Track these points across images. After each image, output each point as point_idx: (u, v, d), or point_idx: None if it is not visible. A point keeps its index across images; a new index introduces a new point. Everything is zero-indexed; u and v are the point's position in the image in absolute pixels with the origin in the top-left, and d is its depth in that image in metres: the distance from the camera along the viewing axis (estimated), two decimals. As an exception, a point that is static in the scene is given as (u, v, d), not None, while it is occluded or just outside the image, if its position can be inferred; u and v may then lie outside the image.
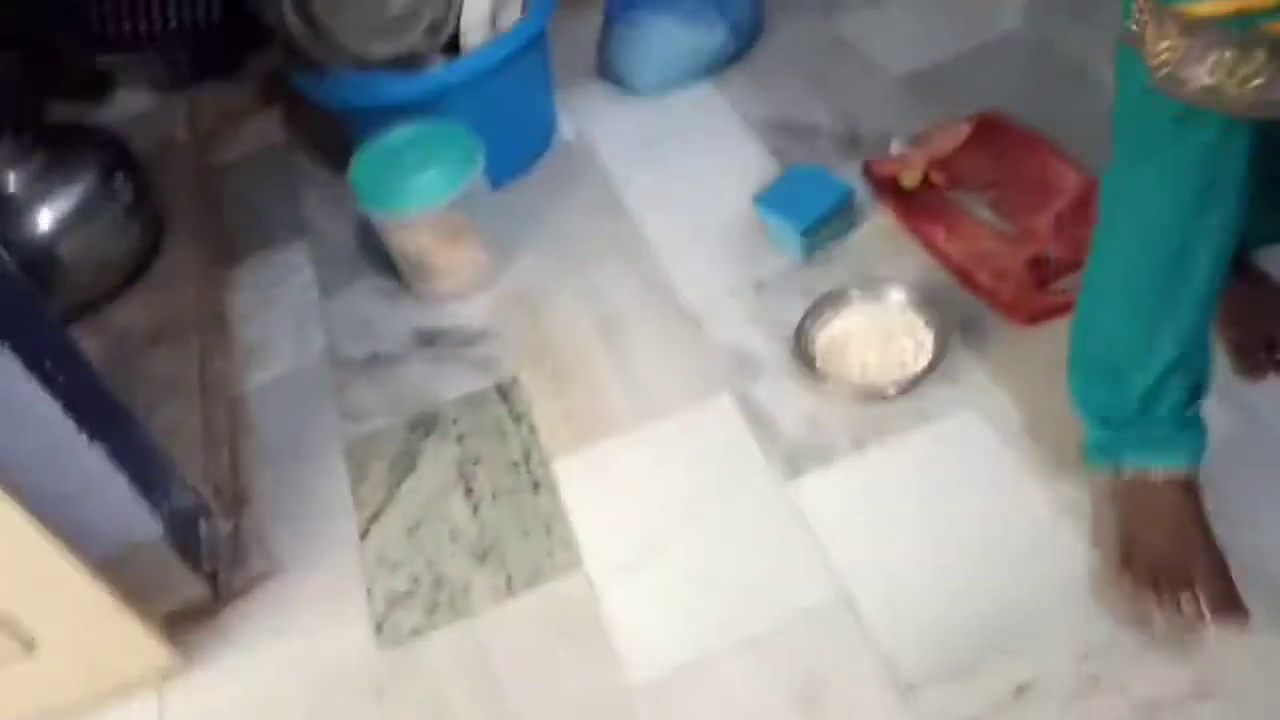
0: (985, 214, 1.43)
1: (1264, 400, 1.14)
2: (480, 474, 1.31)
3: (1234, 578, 0.96)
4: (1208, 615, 0.95)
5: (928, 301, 1.31)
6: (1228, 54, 0.75)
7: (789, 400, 1.29)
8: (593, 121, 1.79)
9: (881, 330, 1.32)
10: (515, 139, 1.69)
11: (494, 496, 1.28)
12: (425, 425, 1.38)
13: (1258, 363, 1.14)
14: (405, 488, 1.32)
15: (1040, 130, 1.50)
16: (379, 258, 1.57)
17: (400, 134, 1.48)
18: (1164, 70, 0.79)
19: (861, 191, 1.50)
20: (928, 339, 1.29)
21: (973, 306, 1.33)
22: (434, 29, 1.50)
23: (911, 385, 1.25)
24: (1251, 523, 1.04)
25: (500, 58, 1.55)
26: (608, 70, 1.85)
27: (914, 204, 1.47)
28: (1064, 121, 1.50)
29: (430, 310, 1.53)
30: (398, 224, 1.46)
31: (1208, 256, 0.90)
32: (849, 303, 1.35)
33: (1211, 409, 1.03)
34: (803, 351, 1.31)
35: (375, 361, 1.49)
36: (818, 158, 1.59)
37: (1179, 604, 0.95)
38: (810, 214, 1.44)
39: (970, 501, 1.14)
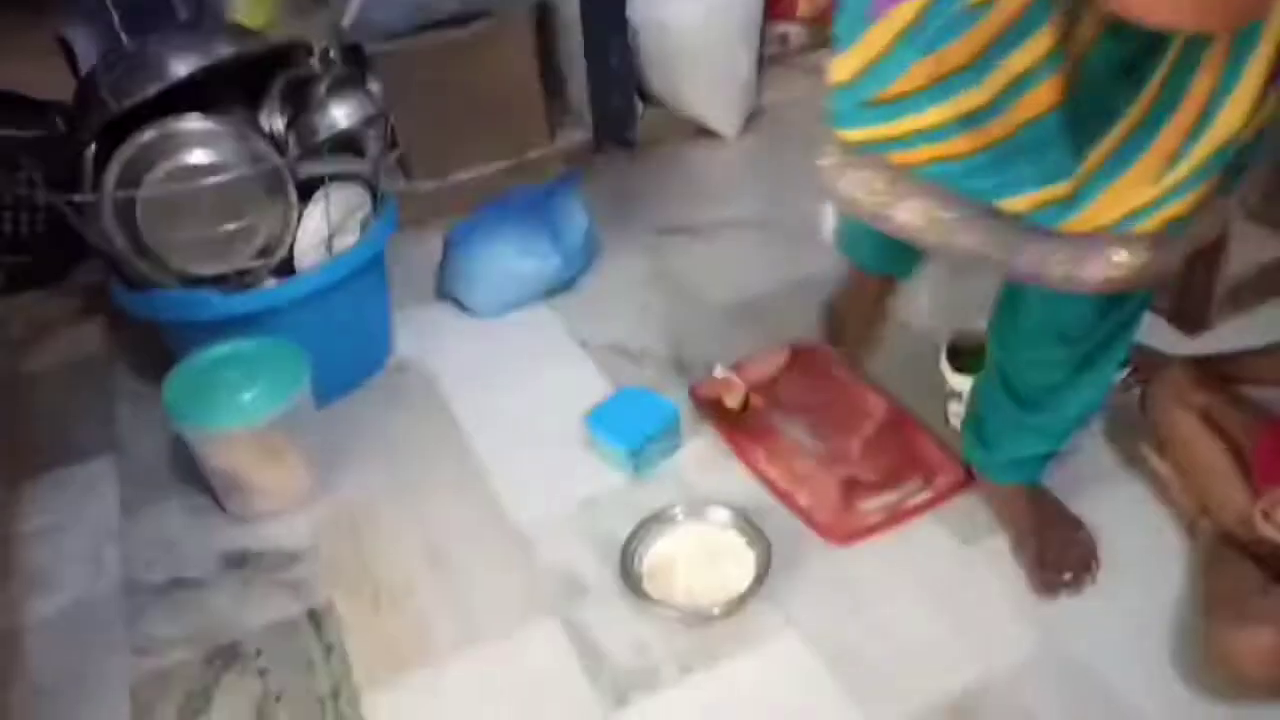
0: (802, 437, 1.51)
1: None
2: (281, 713, 1.20)
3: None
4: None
5: (751, 522, 1.34)
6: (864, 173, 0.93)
7: (616, 624, 1.26)
8: (430, 340, 1.82)
9: (706, 551, 1.33)
10: (348, 356, 1.68)
11: (295, 739, 1.17)
12: (225, 658, 1.27)
13: (1049, 583, 1.24)
14: (195, 730, 1.19)
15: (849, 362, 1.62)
16: (192, 476, 1.50)
17: (223, 350, 1.45)
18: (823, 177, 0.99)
19: (688, 413, 1.56)
20: (750, 559, 1.31)
21: (793, 526, 1.37)
22: (267, 250, 1.51)
23: (736, 607, 1.25)
24: None
25: (334, 278, 1.57)
26: (446, 292, 1.90)
27: (737, 426, 1.54)
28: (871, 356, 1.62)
29: (243, 531, 1.45)
30: (211, 440, 1.40)
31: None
32: (675, 523, 1.37)
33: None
34: (629, 572, 1.30)
35: (176, 587, 1.38)
36: (647, 380, 1.65)
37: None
38: (639, 433, 1.48)
39: (794, 728, 1.13)
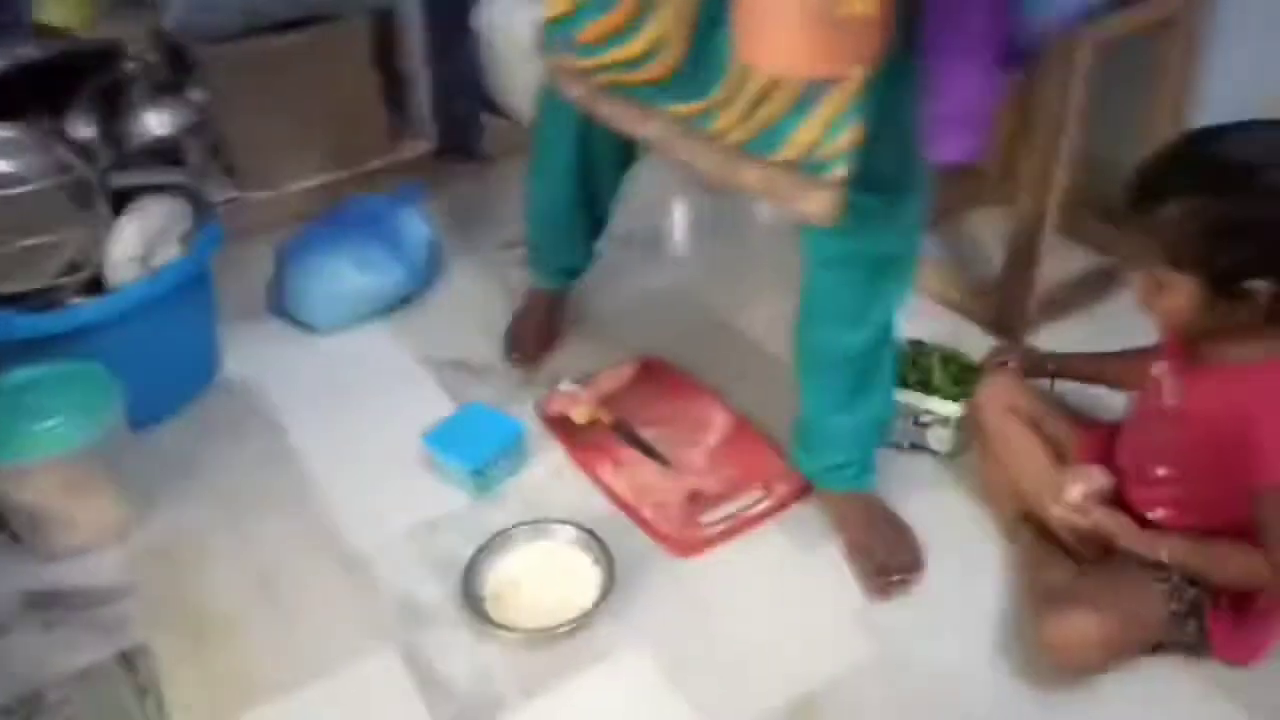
0: (648, 450, 1.51)
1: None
2: (91, 766, 1.12)
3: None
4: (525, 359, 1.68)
5: (595, 538, 1.33)
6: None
7: (458, 650, 1.23)
8: (261, 359, 1.73)
9: (550, 569, 1.31)
10: (168, 378, 1.58)
11: (107, 793, 1.09)
12: (27, 708, 1.17)
13: (881, 590, 1.29)
14: (-9, 794, 1.09)
15: (693, 373, 1.64)
16: (-11, 511, 1.37)
17: (22, 375, 1.34)
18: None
19: (534, 429, 1.54)
20: (595, 576, 1.30)
21: (639, 541, 1.37)
22: (75, 266, 1.41)
23: (581, 623, 1.24)
24: None
25: (151, 295, 1.47)
26: (280, 308, 1.82)
27: (583, 441, 1.53)
28: (712, 367, 1.65)
29: (47, 569, 1.34)
30: (11, 473, 1.29)
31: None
32: (518, 542, 1.34)
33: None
34: (472, 595, 1.27)
35: (-30, 634, 1.26)
36: (491, 397, 1.62)
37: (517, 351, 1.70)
38: (482, 452, 1.45)
39: (637, 745, 1.13)
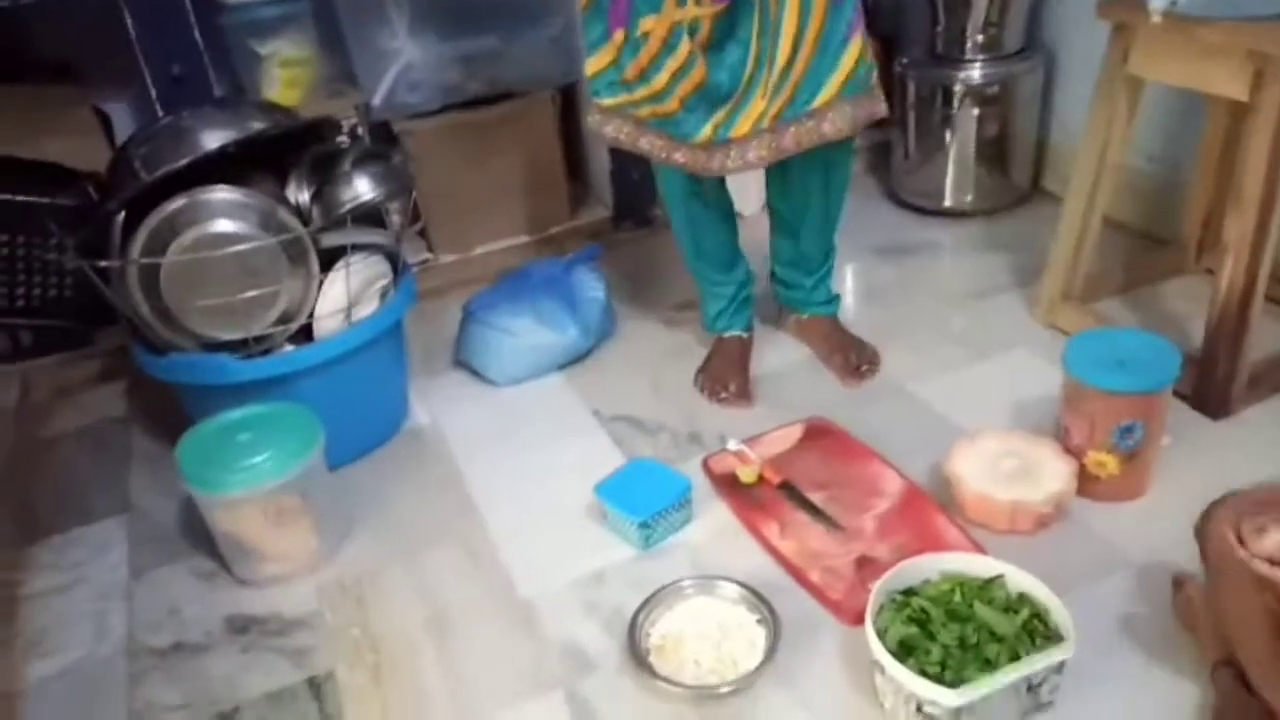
0: (816, 513, 1.49)
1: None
2: (278, 784, 1.18)
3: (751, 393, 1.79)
4: (733, 397, 1.78)
5: (761, 598, 1.32)
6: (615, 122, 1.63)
7: (620, 701, 1.23)
8: (445, 409, 1.83)
9: (715, 626, 1.30)
10: (363, 422, 1.70)
11: (290, 811, 1.15)
12: (223, 726, 1.25)
13: (851, 375, 1.78)
14: (189, 800, 1.17)
15: (864, 438, 1.60)
16: (201, 539, 1.50)
17: (237, 414, 1.46)
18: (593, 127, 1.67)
19: (700, 486, 1.55)
20: (760, 636, 1.28)
21: (805, 604, 1.34)
22: (287, 317, 1.54)
23: (745, 685, 1.22)
24: None
25: (351, 346, 1.59)
26: (463, 362, 1.92)
27: (750, 501, 1.52)
28: (884, 431, 1.62)
29: (248, 595, 1.44)
30: (223, 503, 1.40)
31: (713, 225, 1.79)
32: (683, 597, 1.34)
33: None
34: (636, 647, 1.27)
35: (178, 651, 1.37)
36: (660, 452, 1.64)
37: (724, 391, 1.79)
38: (650, 506, 1.46)
39: (801, 815, 1.09)
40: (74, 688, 1.33)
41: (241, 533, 1.42)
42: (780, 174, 1.72)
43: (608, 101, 1.60)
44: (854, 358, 1.81)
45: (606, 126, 1.63)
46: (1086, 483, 1.43)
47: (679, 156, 1.58)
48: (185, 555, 1.53)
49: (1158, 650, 1.21)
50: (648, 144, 1.60)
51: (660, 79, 1.51)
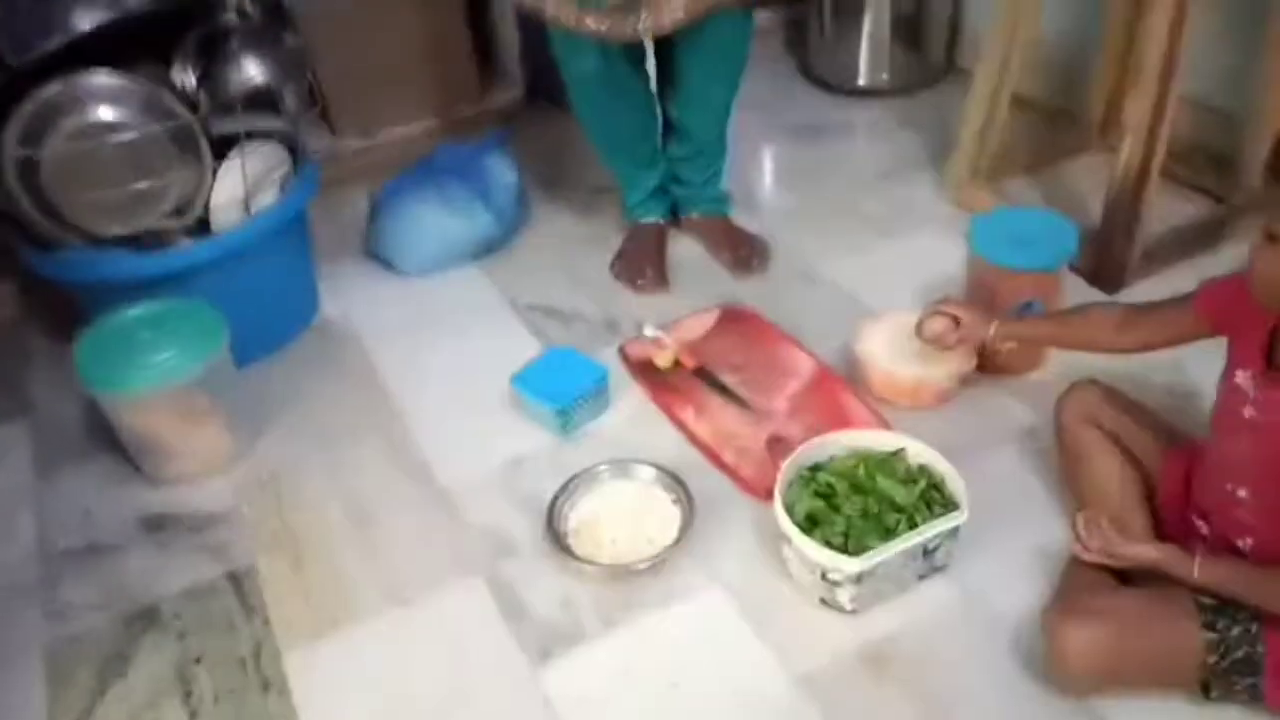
0: (730, 395, 1.52)
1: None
2: (202, 674, 1.19)
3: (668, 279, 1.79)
4: (650, 284, 1.78)
5: (676, 479, 1.36)
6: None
7: (542, 581, 1.27)
8: (356, 300, 1.79)
9: (631, 508, 1.34)
10: (269, 317, 1.66)
11: (216, 700, 1.16)
12: (143, 621, 1.26)
13: (741, 268, 1.79)
14: (112, 694, 1.18)
15: (778, 322, 1.63)
16: (108, 440, 1.47)
17: (136, 311, 1.42)
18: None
19: (617, 373, 1.56)
20: (675, 515, 1.32)
21: (718, 483, 1.38)
22: (180, 210, 1.47)
23: (659, 562, 1.26)
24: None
25: (252, 238, 1.54)
26: (374, 251, 1.87)
27: (666, 386, 1.55)
28: (797, 314, 1.65)
29: (161, 494, 1.43)
30: (127, 403, 1.37)
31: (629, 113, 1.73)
32: (600, 481, 1.37)
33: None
34: (555, 530, 1.31)
35: (92, 552, 1.36)
36: (576, 340, 1.65)
37: (640, 277, 1.78)
38: (567, 394, 1.48)
39: (713, 683, 1.15)
40: (-14, 592, 1.32)
41: (149, 432, 1.40)
42: (674, 62, 1.68)
43: None
44: (743, 251, 1.81)
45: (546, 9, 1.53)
46: (985, 360, 1.49)
47: (590, 22, 1.50)
48: (93, 456, 1.50)
49: (1045, 514, 1.29)
50: (554, 8, 1.52)
51: None
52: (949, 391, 1.46)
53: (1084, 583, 1.14)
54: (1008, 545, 1.25)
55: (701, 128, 1.76)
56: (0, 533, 1.39)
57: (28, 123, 1.37)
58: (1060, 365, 1.50)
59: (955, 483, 1.22)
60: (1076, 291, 1.59)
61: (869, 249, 1.82)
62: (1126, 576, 1.13)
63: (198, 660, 1.21)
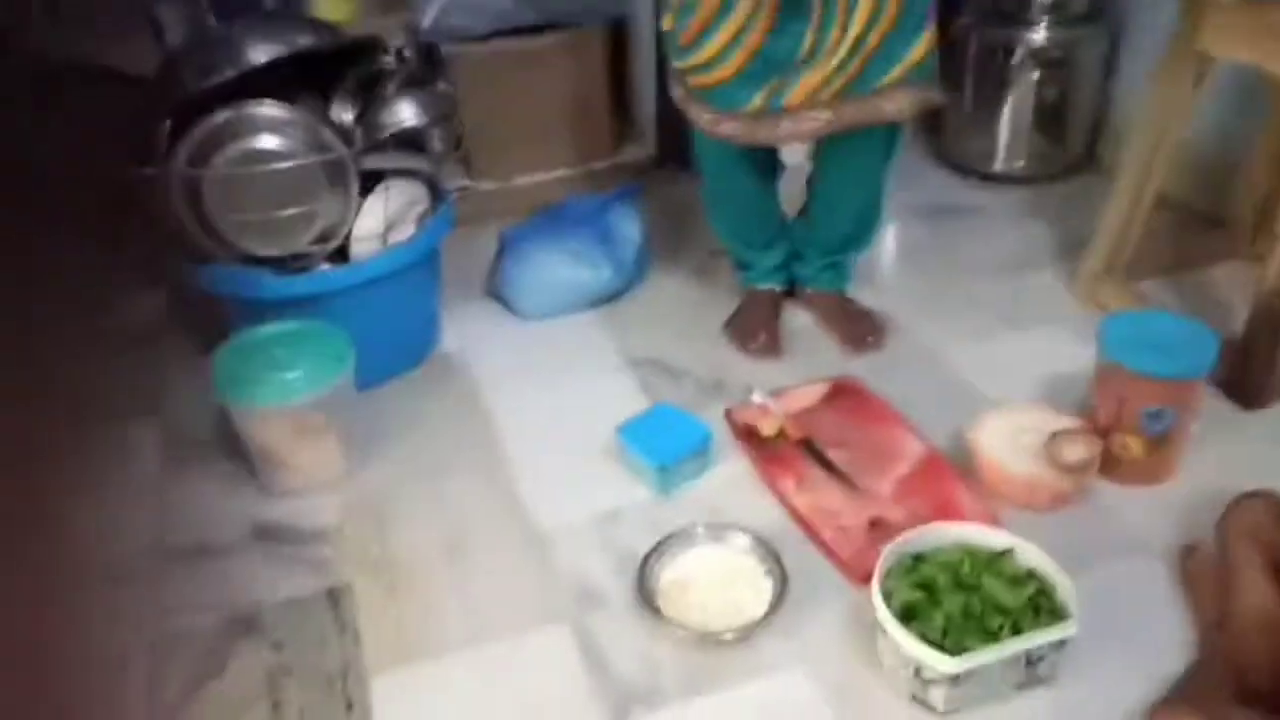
0: (834, 471, 1.49)
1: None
2: (291, 686, 1.22)
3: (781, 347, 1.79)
4: (762, 349, 1.78)
5: (771, 550, 1.33)
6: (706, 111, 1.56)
7: (626, 638, 1.26)
8: (475, 338, 1.84)
9: (723, 574, 1.32)
10: (394, 346, 1.72)
11: (301, 714, 1.19)
12: (242, 627, 1.30)
13: (856, 344, 1.77)
14: (206, 694, 1.22)
15: (889, 401, 1.60)
16: (231, 448, 1.53)
17: (272, 329, 1.49)
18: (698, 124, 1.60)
19: (721, 435, 1.56)
20: (767, 587, 1.30)
21: (814, 560, 1.36)
22: (324, 237, 1.55)
23: (747, 633, 1.24)
24: None
25: (386, 269, 1.60)
26: (496, 292, 1.93)
27: (769, 454, 1.53)
28: (910, 396, 1.61)
29: (273, 505, 1.48)
30: (252, 414, 1.43)
31: (755, 202, 1.77)
32: (695, 543, 1.36)
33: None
34: (645, 588, 1.30)
35: (203, 552, 1.41)
36: (684, 398, 1.65)
37: (753, 342, 1.78)
38: (670, 451, 1.48)
39: (792, 762, 1.12)
40: (103, 579, 1.38)
41: (269, 444, 1.46)
42: (816, 158, 1.71)
43: (676, 63, 1.57)
44: (860, 328, 1.79)
45: (676, 89, 1.60)
46: (1110, 464, 1.43)
47: (725, 128, 1.54)
48: (215, 462, 1.57)
49: (1159, 637, 1.22)
50: (694, 112, 1.57)
51: (713, 44, 1.47)
52: (1067, 495, 1.40)
53: (1202, 685, 1.08)
54: (1116, 665, 1.18)
55: (829, 226, 1.77)
56: (121, 524, 1.47)
57: (197, 145, 1.48)
58: (1193, 477, 1.43)
59: (1066, 591, 1.16)
60: (1212, 405, 1.52)
61: (991, 338, 1.78)
62: (1248, 696, 1.06)
63: (289, 672, 1.24)
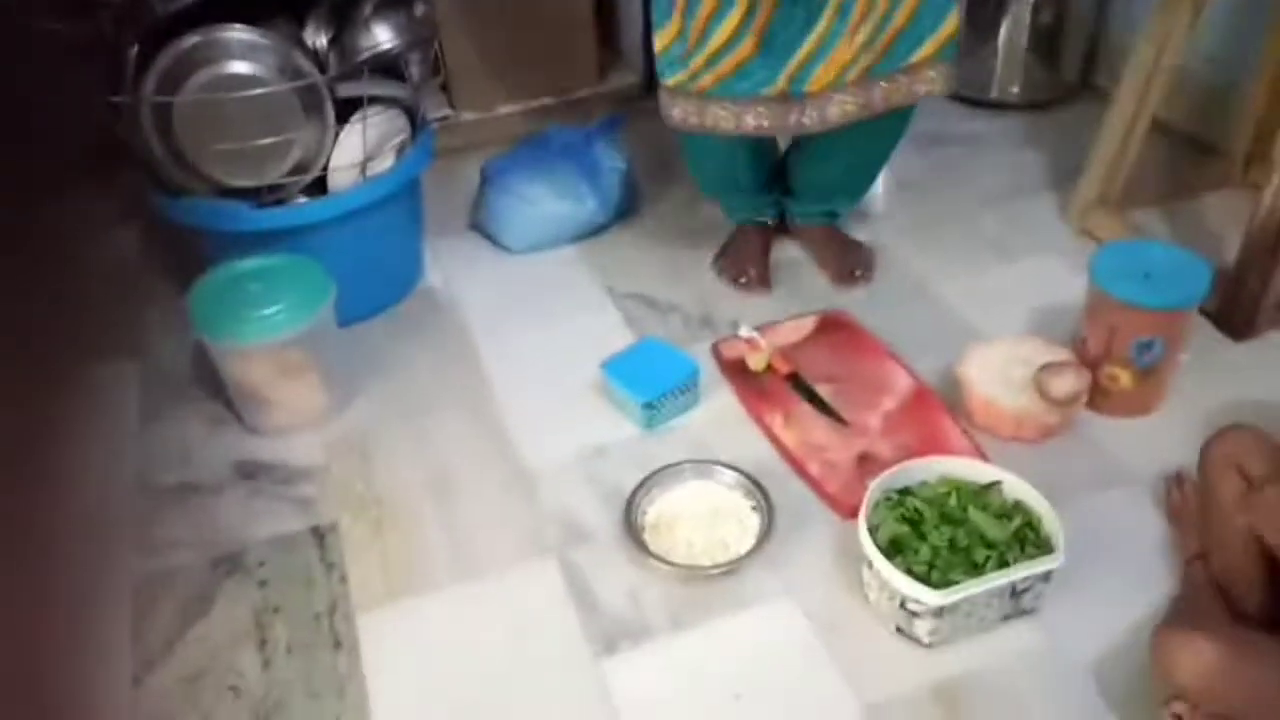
0: (821, 406, 1.49)
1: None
2: (278, 624, 1.22)
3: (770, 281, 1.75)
4: (752, 283, 1.74)
5: (758, 486, 1.33)
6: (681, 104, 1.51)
7: (613, 572, 1.27)
8: (459, 273, 1.81)
9: (709, 509, 1.32)
10: (375, 280, 1.68)
11: (289, 650, 1.19)
12: (228, 565, 1.30)
13: (845, 279, 1.73)
14: (193, 633, 1.22)
15: (878, 335, 1.59)
16: (212, 386, 1.51)
17: (249, 264, 1.45)
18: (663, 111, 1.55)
19: (708, 371, 1.54)
20: (754, 522, 1.30)
21: (802, 495, 1.35)
22: (302, 168, 1.51)
23: (733, 567, 1.25)
24: None
25: (366, 201, 1.56)
26: (480, 226, 1.89)
27: (756, 389, 1.52)
28: (900, 330, 1.60)
29: (257, 443, 1.47)
30: (232, 353, 1.41)
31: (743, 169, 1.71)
32: (681, 479, 1.36)
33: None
34: (632, 524, 1.30)
35: (186, 491, 1.40)
36: (670, 333, 1.63)
37: (743, 276, 1.74)
38: (656, 387, 1.46)
39: (778, 698, 1.12)
40: (86, 518, 1.37)
41: (250, 382, 1.43)
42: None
43: (670, 81, 1.50)
44: (848, 262, 1.75)
45: (673, 109, 1.52)
46: (1098, 396, 1.42)
47: (750, 120, 1.48)
48: (195, 401, 1.55)
49: (1145, 565, 1.23)
50: (713, 119, 1.50)
51: (723, 30, 1.41)
52: (1054, 427, 1.40)
53: (1195, 609, 1.10)
54: (1102, 594, 1.19)
55: (822, 180, 1.73)
56: (104, 465, 1.45)
57: (166, 71, 1.42)
58: (1181, 407, 1.42)
59: (1052, 524, 1.16)
60: (1201, 334, 1.51)
61: (982, 269, 1.76)
62: (1236, 620, 1.08)
63: (276, 610, 1.24)
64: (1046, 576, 1.14)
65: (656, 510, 1.33)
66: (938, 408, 1.45)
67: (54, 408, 1.55)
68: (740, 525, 1.30)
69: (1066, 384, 1.36)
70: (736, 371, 1.55)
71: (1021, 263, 1.77)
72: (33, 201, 1.96)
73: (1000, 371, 1.43)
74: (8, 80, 1.85)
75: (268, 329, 1.40)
